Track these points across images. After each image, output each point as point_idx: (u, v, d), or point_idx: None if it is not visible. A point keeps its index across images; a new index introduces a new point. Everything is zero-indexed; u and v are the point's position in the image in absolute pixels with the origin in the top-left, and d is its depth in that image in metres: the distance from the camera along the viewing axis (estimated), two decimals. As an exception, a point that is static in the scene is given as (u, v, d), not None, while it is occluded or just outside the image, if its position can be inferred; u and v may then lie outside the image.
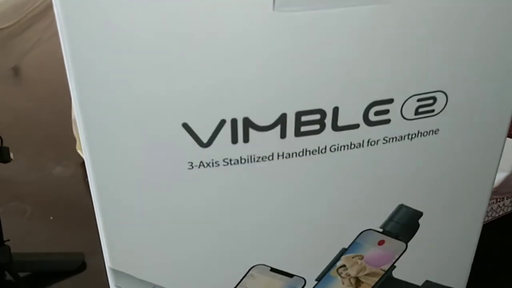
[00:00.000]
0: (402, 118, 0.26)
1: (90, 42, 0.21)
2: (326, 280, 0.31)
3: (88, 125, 0.23)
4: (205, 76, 0.23)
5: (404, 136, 0.26)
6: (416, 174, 0.28)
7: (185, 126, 0.24)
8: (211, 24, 0.22)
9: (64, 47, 0.21)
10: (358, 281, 0.32)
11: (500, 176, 0.52)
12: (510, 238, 0.56)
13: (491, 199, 0.54)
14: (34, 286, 0.54)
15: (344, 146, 0.26)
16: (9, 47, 1.07)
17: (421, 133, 0.27)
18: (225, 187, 0.26)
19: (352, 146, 0.26)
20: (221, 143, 0.24)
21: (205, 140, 0.24)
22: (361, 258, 0.31)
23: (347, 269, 0.31)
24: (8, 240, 0.52)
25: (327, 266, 0.30)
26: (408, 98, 0.25)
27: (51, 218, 0.62)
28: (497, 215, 0.57)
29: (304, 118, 0.25)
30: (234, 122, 0.24)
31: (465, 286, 0.35)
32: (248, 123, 0.24)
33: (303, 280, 0.30)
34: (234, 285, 0.30)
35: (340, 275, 0.31)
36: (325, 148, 0.26)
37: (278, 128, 0.25)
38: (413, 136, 0.26)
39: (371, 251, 0.30)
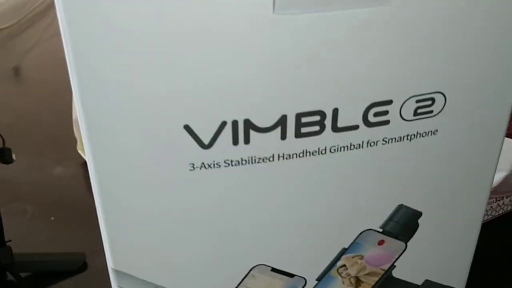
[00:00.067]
0: (401, 119, 0.26)
1: (92, 43, 0.21)
2: (327, 279, 0.31)
3: (90, 126, 0.23)
4: (206, 79, 0.23)
5: (403, 137, 0.27)
6: (415, 174, 0.28)
7: (187, 128, 0.24)
8: (212, 27, 0.22)
9: (66, 49, 0.22)
10: (358, 280, 0.32)
11: (499, 176, 0.52)
12: (510, 237, 0.56)
13: (490, 198, 0.54)
14: (35, 286, 0.54)
15: (344, 147, 0.26)
16: (9, 47, 1.07)
17: (420, 133, 0.27)
18: (226, 187, 0.26)
19: (352, 147, 0.26)
20: (222, 145, 0.25)
21: (206, 141, 0.24)
22: (361, 258, 0.31)
23: (347, 268, 0.31)
24: (10, 240, 0.52)
25: (328, 266, 0.30)
26: (407, 99, 0.25)
27: (52, 218, 0.62)
28: (496, 214, 0.57)
29: (304, 120, 0.25)
30: (235, 123, 0.24)
31: (464, 284, 0.35)
32: (248, 125, 0.24)
33: (304, 280, 0.31)
34: (235, 285, 0.30)
35: (340, 274, 0.31)
36: (325, 149, 0.26)
37: (279, 129, 0.25)
38: (412, 136, 0.27)
39: (371, 251, 0.31)
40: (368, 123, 0.26)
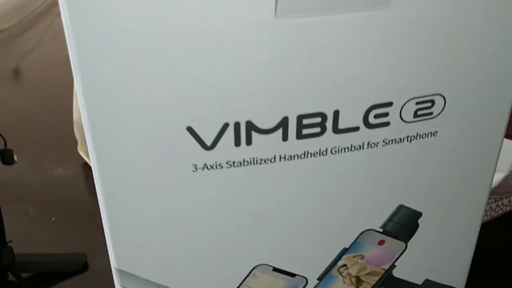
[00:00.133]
0: (401, 121, 0.26)
1: (96, 44, 0.22)
2: (328, 279, 0.31)
3: (94, 127, 0.24)
4: (209, 81, 0.23)
5: (403, 138, 0.27)
6: (415, 175, 0.28)
7: (189, 129, 0.24)
8: (214, 29, 0.22)
9: (71, 51, 0.22)
10: (359, 280, 0.32)
11: (498, 177, 0.52)
12: (509, 237, 0.56)
13: (489, 198, 0.54)
14: (36, 286, 0.54)
15: (345, 148, 0.26)
16: (10, 48, 1.07)
17: (420, 135, 0.27)
18: (228, 188, 0.26)
19: (353, 148, 0.26)
20: (224, 146, 0.25)
21: (209, 143, 0.25)
22: (362, 257, 0.31)
23: (348, 268, 0.31)
24: (11, 241, 0.52)
25: (329, 266, 0.31)
26: (407, 101, 0.26)
27: (53, 219, 0.62)
28: (496, 214, 0.57)
29: (305, 121, 0.25)
30: (237, 125, 0.24)
31: (464, 284, 0.35)
32: (250, 126, 0.25)
33: (305, 280, 0.31)
34: (237, 285, 0.30)
35: (341, 274, 0.31)
36: (326, 150, 0.26)
37: (280, 131, 0.25)
38: (412, 138, 0.27)
39: (372, 251, 0.31)
40: (368, 125, 0.26)
